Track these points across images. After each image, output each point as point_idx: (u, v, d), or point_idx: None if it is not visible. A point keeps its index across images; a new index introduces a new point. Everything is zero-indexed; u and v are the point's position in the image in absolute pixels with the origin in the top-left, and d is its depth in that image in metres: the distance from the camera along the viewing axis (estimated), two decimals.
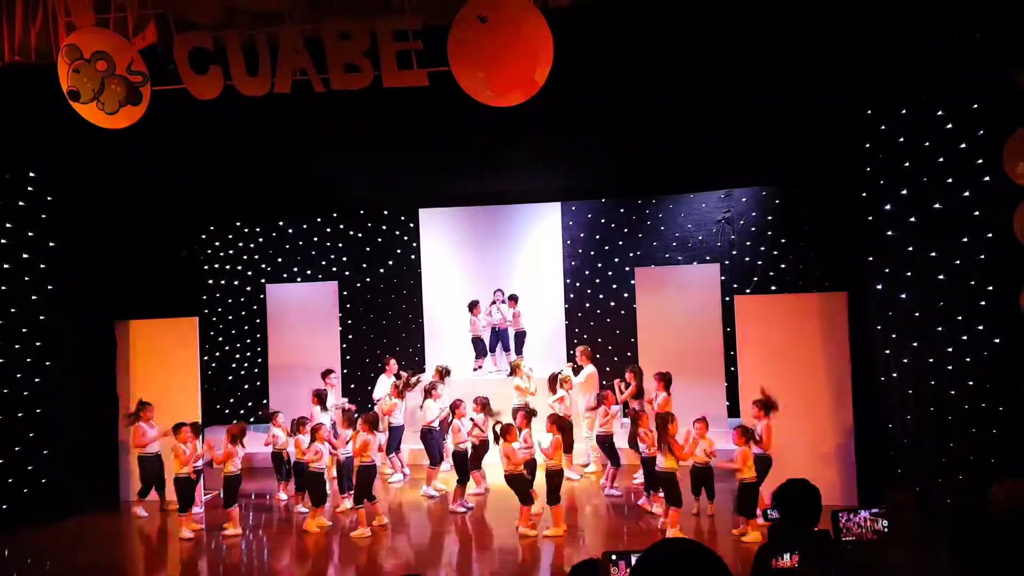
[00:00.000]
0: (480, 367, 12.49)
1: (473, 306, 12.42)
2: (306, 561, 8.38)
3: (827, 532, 3.96)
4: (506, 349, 12.52)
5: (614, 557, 2.65)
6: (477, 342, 12.51)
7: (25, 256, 9.69)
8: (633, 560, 2.66)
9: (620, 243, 13.27)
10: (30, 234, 9.72)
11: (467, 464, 9.66)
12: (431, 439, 10.28)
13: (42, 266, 9.78)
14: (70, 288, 10.04)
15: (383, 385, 11.28)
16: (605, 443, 9.96)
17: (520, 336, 12.55)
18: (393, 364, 11.52)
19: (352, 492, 9.26)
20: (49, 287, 9.82)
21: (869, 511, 3.93)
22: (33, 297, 9.74)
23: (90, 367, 10.39)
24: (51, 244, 9.82)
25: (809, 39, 7.73)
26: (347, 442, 9.34)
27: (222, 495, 9.23)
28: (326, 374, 11.21)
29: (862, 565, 3.99)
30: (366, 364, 13.38)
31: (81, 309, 10.24)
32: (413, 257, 13.81)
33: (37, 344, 9.75)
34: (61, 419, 9.90)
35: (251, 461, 10.81)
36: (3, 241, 9.60)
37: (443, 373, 10.91)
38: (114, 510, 10.15)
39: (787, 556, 3.83)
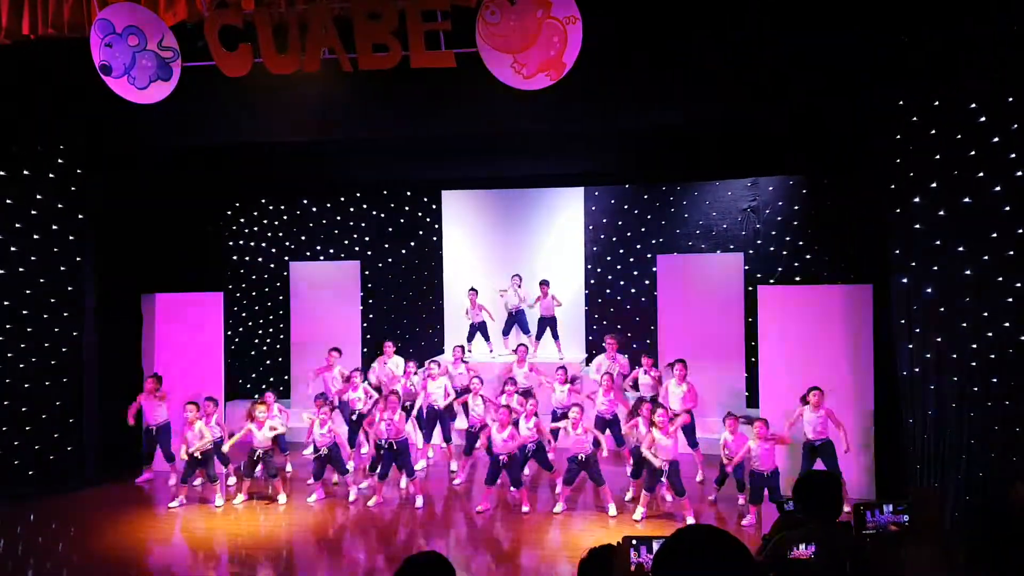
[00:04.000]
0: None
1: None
2: (321, 533, 8.52)
3: (848, 524, 3.96)
4: (526, 332, 12.51)
5: (634, 542, 2.66)
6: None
7: (54, 228, 9.83)
8: (654, 546, 2.68)
9: (643, 230, 13.19)
10: (59, 206, 9.84)
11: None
12: (443, 419, 10.66)
13: (71, 238, 9.91)
14: (98, 260, 10.18)
15: (384, 369, 11.27)
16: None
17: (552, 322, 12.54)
18: (390, 347, 11.43)
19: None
20: (77, 259, 9.96)
21: (892, 505, 3.92)
22: (61, 268, 9.88)
23: (116, 339, 10.55)
24: (79, 217, 9.95)
25: (843, 29, 7.65)
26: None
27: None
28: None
29: (880, 559, 3.98)
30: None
31: (108, 281, 10.38)
32: (435, 239, 13.84)
33: (64, 315, 9.91)
34: (86, 389, 10.07)
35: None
36: (33, 212, 9.72)
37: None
38: (138, 479, 10.33)
39: (803, 547, 3.83)
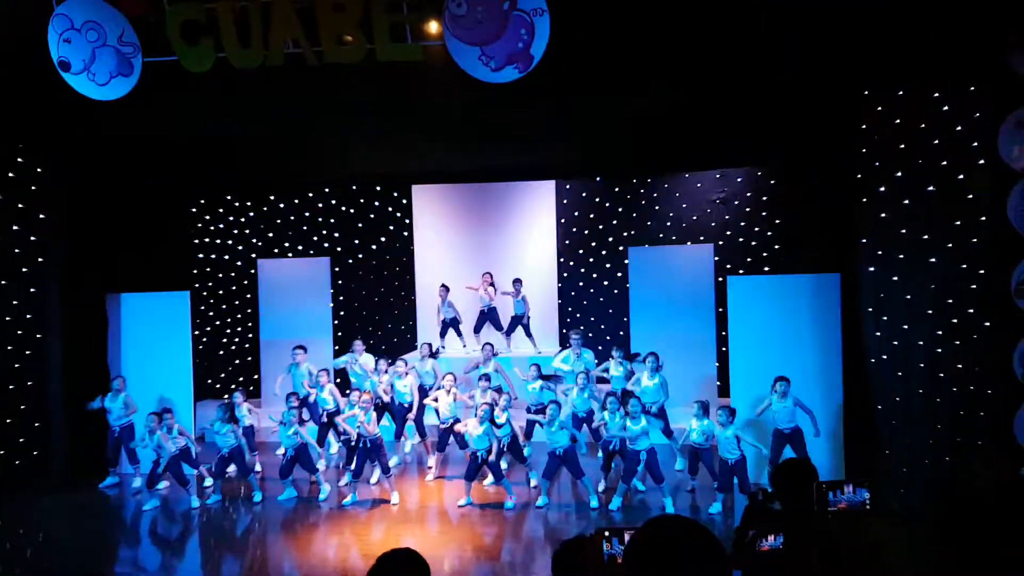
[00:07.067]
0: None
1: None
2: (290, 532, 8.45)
3: (811, 507, 4.00)
4: (499, 330, 12.48)
5: (607, 534, 2.67)
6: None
7: (15, 228, 9.62)
8: (626, 537, 2.68)
9: (614, 222, 13.23)
10: (20, 206, 9.64)
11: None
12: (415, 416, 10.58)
13: (32, 238, 9.71)
14: (61, 261, 9.99)
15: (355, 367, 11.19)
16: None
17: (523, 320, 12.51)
18: (359, 345, 11.27)
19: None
20: (39, 259, 9.76)
21: (853, 484, 3.98)
22: (23, 269, 9.69)
23: (81, 340, 10.35)
24: (41, 216, 9.75)
25: (808, 19, 7.69)
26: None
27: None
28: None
29: (845, 539, 4.03)
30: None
31: (72, 282, 10.18)
32: (405, 234, 13.76)
33: (28, 316, 9.72)
34: (52, 391, 9.89)
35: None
36: None
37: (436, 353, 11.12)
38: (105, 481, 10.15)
39: (772, 537, 3.85)
